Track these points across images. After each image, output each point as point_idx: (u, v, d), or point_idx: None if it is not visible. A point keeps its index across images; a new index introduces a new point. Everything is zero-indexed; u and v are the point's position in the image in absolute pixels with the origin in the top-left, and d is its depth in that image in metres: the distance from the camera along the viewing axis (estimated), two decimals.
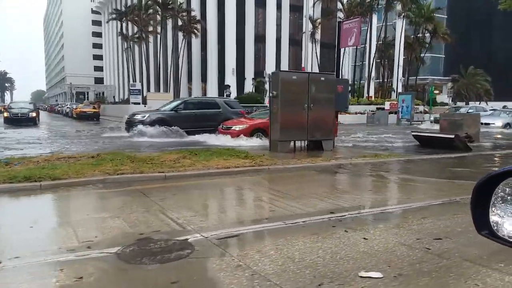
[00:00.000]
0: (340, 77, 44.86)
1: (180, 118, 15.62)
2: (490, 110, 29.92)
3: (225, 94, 35.54)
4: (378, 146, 13.34)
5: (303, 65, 28.47)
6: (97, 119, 36.02)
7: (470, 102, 69.53)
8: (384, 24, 40.68)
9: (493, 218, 1.09)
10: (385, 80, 49.06)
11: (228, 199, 6.39)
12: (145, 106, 38.06)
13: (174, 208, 5.04)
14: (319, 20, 36.69)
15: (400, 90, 47.84)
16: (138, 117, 15.83)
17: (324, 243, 3.71)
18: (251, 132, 13.36)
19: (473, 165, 9.71)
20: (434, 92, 40.78)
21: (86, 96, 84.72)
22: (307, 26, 25.38)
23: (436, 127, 19.49)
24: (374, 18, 40.14)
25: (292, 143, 11.58)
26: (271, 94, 10.84)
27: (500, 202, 1.08)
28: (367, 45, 41.27)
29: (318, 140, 11.46)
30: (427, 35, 47.67)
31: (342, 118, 32.30)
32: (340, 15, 37.67)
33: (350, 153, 10.96)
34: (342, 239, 3.84)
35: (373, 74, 47.36)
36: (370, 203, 5.69)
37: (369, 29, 40.95)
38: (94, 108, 38.62)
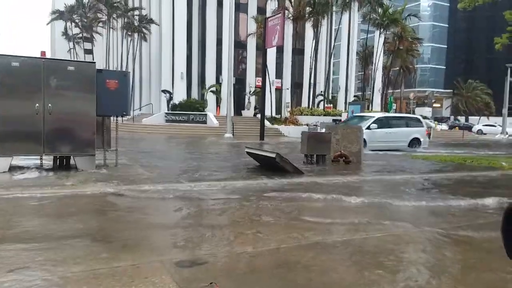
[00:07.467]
0: (315, 86, 41.68)
1: None
2: None
3: (166, 99, 32.73)
4: (198, 166, 9.94)
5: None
6: None
7: (469, 117, 65.05)
8: (336, 27, 36.93)
9: None
10: (364, 92, 45.20)
11: None
12: None
13: None
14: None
15: (378, 103, 44.00)
16: None
17: None
18: None
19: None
20: (393, 103, 36.88)
21: None
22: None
23: None
24: (344, 23, 36.49)
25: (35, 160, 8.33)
26: None
27: None
28: (333, 52, 37.70)
29: (69, 155, 8.19)
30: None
31: (285, 130, 28.91)
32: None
33: (108, 177, 7.59)
34: None
35: (350, 85, 43.79)
36: None
37: (328, 34, 37.41)
38: None
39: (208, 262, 3.27)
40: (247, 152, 10.16)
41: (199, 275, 2.99)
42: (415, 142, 17.00)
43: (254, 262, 3.34)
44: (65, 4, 42.79)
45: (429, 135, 31.74)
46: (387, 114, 19.62)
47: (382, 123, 16.15)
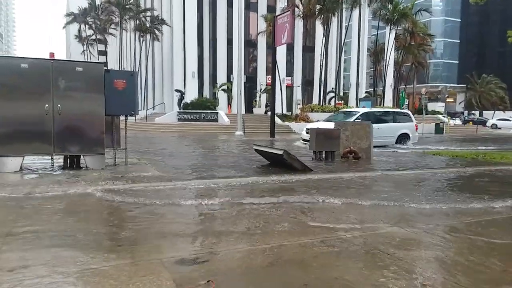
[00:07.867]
0: (326, 83, 41.45)
1: None
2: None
3: (177, 98, 32.94)
4: (207, 164, 9.98)
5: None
6: None
7: (484, 111, 64.05)
8: (346, 24, 36.70)
9: None
10: (376, 88, 44.86)
11: None
12: None
13: None
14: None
15: (390, 98, 43.63)
16: None
17: None
18: None
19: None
20: (405, 98, 36.45)
21: None
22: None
23: None
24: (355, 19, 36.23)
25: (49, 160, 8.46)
26: None
27: None
28: (344, 48, 37.44)
29: (78, 155, 8.30)
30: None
31: (296, 127, 28.84)
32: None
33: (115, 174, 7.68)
34: None
35: (361, 81, 43.51)
36: None
37: (338, 30, 37.16)
38: None
39: (208, 260, 3.27)
40: (256, 150, 10.17)
41: (198, 273, 2.97)
42: (403, 137, 16.57)
43: (254, 260, 3.33)
44: (79, 6, 43.42)
45: (441, 130, 31.52)
46: (373, 109, 19.18)
47: (367, 118, 15.49)
